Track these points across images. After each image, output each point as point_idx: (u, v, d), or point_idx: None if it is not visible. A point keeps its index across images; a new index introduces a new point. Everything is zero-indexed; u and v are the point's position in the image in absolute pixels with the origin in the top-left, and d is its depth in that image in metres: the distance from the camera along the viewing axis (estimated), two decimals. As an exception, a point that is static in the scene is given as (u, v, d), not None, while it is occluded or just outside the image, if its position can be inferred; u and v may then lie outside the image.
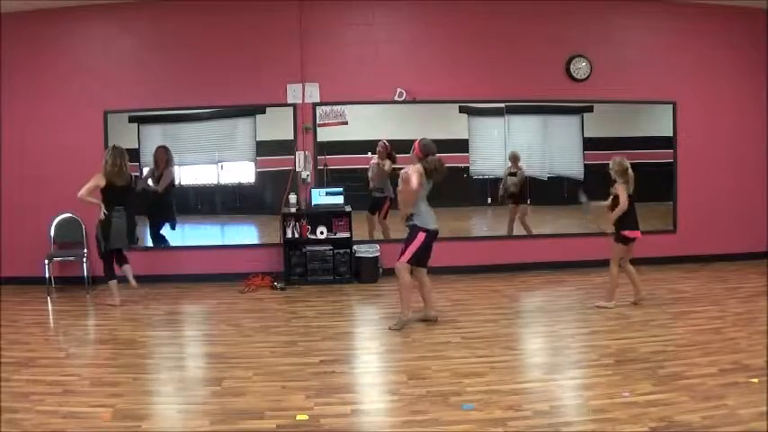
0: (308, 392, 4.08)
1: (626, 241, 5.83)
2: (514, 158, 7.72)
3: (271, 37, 7.28)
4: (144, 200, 7.27)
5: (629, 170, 5.77)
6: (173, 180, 7.45)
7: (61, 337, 5.58)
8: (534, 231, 7.86)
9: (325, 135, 7.44)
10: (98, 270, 7.18)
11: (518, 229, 7.85)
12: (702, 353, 4.67)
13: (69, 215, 7.16)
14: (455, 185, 7.73)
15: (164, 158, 7.34)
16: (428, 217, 5.47)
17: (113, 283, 6.36)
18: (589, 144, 7.85)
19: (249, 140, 7.44)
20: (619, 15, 7.65)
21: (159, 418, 3.79)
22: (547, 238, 7.82)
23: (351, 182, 7.46)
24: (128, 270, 6.47)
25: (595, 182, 7.83)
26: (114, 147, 6.34)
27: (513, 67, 7.52)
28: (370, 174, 7.60)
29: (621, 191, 5.72)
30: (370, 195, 7.63)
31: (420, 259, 5.53)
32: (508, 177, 7.74)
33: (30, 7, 6.96)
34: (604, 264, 7.48)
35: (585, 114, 7.81)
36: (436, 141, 7.54)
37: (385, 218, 7.61)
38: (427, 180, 5.40)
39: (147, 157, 7.40)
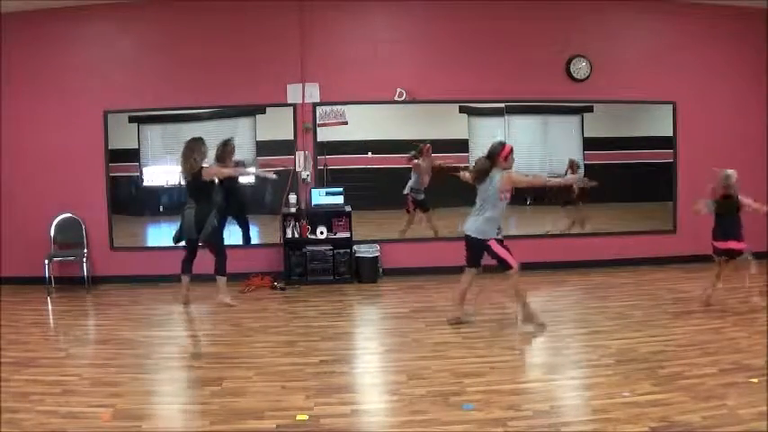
0: (308, 392, 4.08)
1: (716, 252, 5.85)
2: (573, 165, 7.70)
3: (271, 37, 7.28)
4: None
5: (731, 185, 5.80)
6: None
7: (61, 337, 5.59)
8: (534, 231, 7.87)
9: (325, 135, 7.43)
10: (98, 270, 7.23)
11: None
12: (702, 353, 4.67)
13: (69, 215, 7.16)
14: (455, 185, 7.72)
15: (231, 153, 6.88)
16: (467, 220, 5.50)
17: (184, 278, 6.29)
18: (589, 144, 7.85)
19: (249, 140, 7.43)
20: (619, 15, 7.65)
21: (159, 418, 3.80)
22: (547, 238, 7.82)
23: (351, 182, 7.45)
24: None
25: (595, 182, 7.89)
26: (186, 141, 6.19)
27: (513, 67, 7.52)
28: (413, 175, 7.59)
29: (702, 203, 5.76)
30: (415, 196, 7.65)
31: (469, 260, 5.54)
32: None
33: (30, 7, 6.95)
34: (604, 264, 7.55)
35: (585, 114, 7.81)
36: (436, 141, 7.64)
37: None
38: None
39: (148, 157, 7.41)
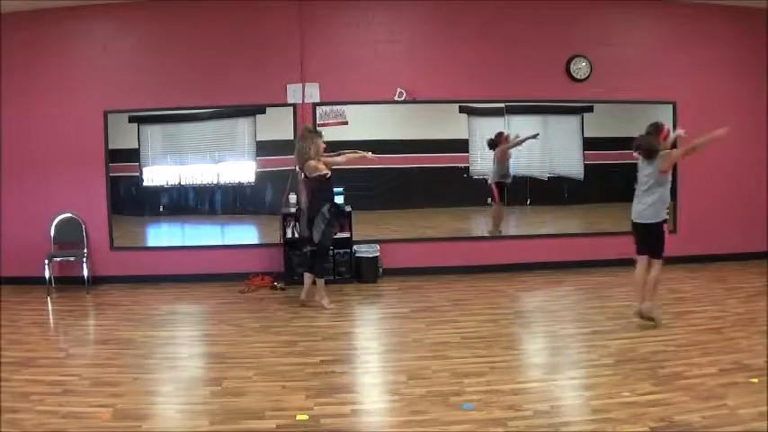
0: (308, 392, 4.08)
1: None
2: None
3: (271, 37, 7.28)
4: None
5: None
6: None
7: (61, 337, 5.59)
8: (534, 231, 7.87)
9: (325, 135, 7.40)
10: (98, 270, 7.23)
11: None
12: (702, 353, 4.67)
13: (69, 215, 7.16)
14: (455, 185, 7.74)
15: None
16: (634, 207, 5.45)
17: (319, 281, 6.21)
18: (589, 144, 7.85)
19: (249, 140, 7.44)
20: (619, 15, 7.64)
21: (159, 418, 3.80)
22: (547, 238, 7.82)
23: (351, 182, 7.44)
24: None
25: (595, 182, 7.89)
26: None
27: (514, 68, 7.51)
28: (496, 164, 7.63)
29: None
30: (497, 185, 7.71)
31: (640, 248, 5.45)
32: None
33: (30, 7, 6.95)
34: (604, 264, 7.54)
35: (585, 114, 7.81)
36: (436, 141, 7.64)
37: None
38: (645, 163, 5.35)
39: (148, 157, 7.41)
